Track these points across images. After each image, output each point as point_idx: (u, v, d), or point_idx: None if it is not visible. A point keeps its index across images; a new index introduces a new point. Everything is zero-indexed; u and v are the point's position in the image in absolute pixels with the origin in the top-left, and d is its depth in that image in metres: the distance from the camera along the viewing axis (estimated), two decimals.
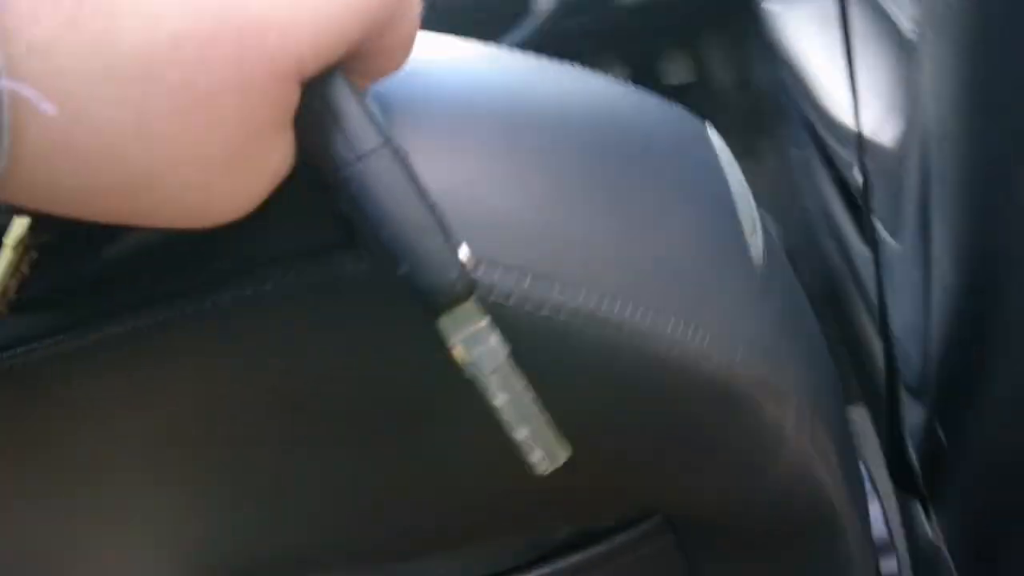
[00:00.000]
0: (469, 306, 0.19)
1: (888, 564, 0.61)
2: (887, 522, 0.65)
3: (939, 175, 0.46)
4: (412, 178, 0.19)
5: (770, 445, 0.29)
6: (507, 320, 0.21)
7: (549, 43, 1.01)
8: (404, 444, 0.28)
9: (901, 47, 0.53)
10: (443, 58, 0.25)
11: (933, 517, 0.71)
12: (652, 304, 0.22)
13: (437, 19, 0.24)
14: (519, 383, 0.20)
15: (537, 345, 0.22)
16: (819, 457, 0.34)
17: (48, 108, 0.16)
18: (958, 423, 0.60)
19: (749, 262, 0.28)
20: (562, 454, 0.22)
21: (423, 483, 0.29)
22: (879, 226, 0.58)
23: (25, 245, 0.21)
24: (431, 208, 0.19)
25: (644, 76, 1.30)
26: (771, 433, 0.29)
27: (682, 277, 0.24)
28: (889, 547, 0.65)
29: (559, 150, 0.23)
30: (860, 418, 0.85)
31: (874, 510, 0.56)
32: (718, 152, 0.31)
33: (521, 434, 0.21)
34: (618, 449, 0.28)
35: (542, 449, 0.21)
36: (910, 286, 0.58)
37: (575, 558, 0.46)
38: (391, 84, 0.22)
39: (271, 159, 0.20)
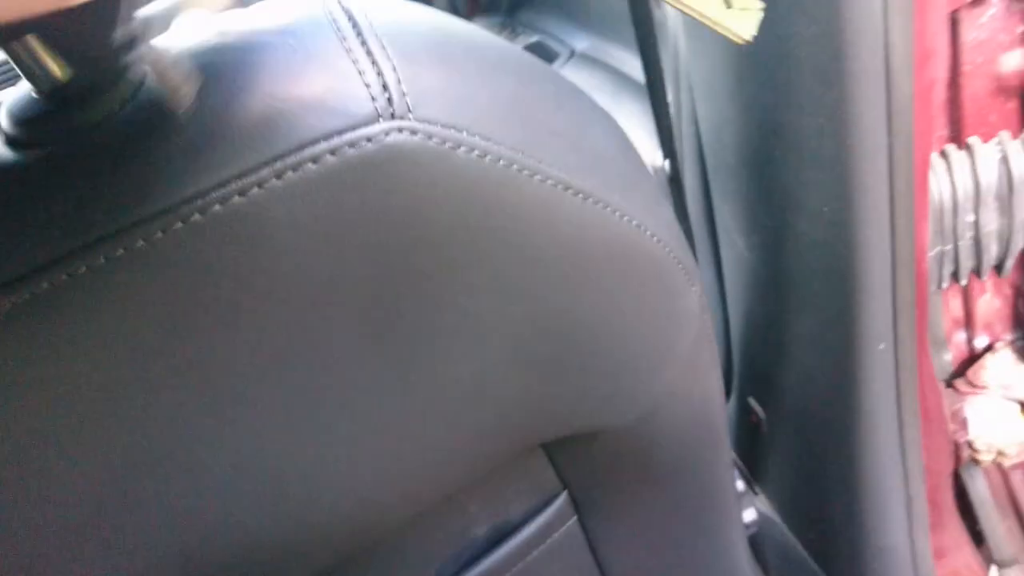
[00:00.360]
0: None
1: (748, 513, 0.70)
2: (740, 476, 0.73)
3: (718, 165, 0.57)
4: None
5: (685, 319, 0.36)
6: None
7: None
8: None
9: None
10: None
11: (759, 492, 0.82)
12: (599, 182, 0.29)
13: None
14: None
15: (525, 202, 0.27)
16: (709, 353, 0.41)
17: None
18: (770, 396, 0.71)
19: (649, 171, 0.35)
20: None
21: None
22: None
23: None
24: None
25: None
26: (687, 306, 0.35)
27: (614, 166, 0.31)
28: (747, 496, 0.74)
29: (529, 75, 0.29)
30: None
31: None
32: None
33: None
34: (572, 312, 0.32)
35: None
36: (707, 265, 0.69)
37: (499, 553, 0.50)
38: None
39: None
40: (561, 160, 0.27)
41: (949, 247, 0.53)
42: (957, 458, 0.66)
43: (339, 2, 0.26)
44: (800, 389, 0.63)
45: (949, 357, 0.66)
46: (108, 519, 0.27)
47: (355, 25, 0.25)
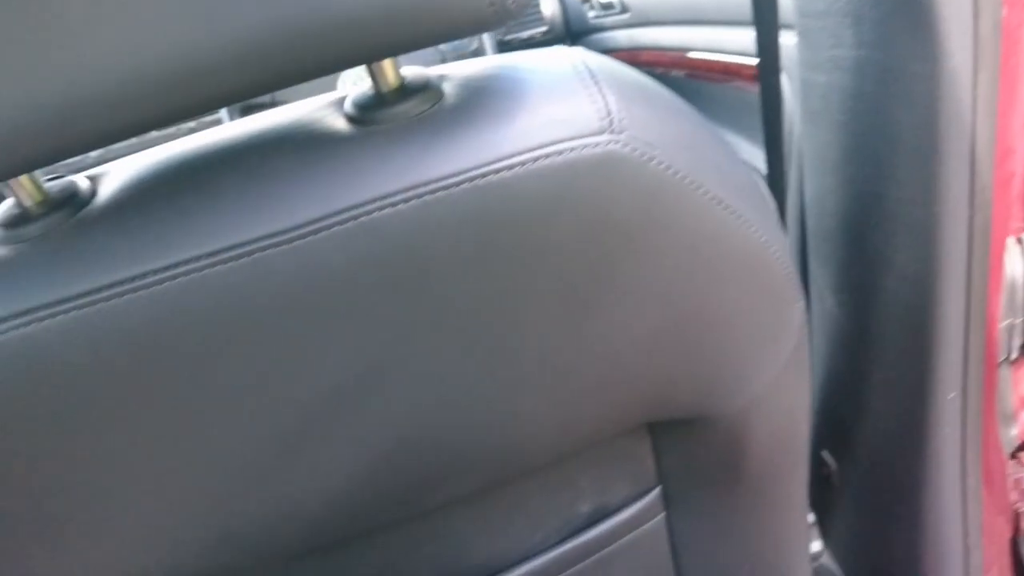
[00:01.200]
0: None
1: (815, 544, 0.76)
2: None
3: (817, 230, 0.66)
4: None
5: (789, 327, 0.44)
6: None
7: None
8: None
9: None
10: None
11: (821, 538, 0.87)
12: (742, 204, 0.38)
13: None
14: None
15: (690, 210, 0.36)
16: (802, 369, 0.49)
17: None
18: (844, 448, 0.77)
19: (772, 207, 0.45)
20: None
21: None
22: None
23: None
24: None
25: None
26: (792, 317, 0.45)
27: (751, 194, 0.40)
28: (815, 528, 0.80)
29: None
30: None
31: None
32: None
33: None
34: (704, 311, 0.40)
35: None
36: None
37: (591, 534, 0.58)
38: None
39: None
40: (718, 182, 0.37)
41: (1020, 320, 0.60)
42: (1016, 527, 0.71)
43: (580, 56, 0.38)
44: (873, 440, 0.70)
45: (1015, 432, 0.72)
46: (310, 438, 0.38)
47: (590, 71, 0.36)
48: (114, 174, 0.37)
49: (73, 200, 0.35)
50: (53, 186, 0.36)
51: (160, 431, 0.35)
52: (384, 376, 0.36)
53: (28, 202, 0.35)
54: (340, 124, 0.36)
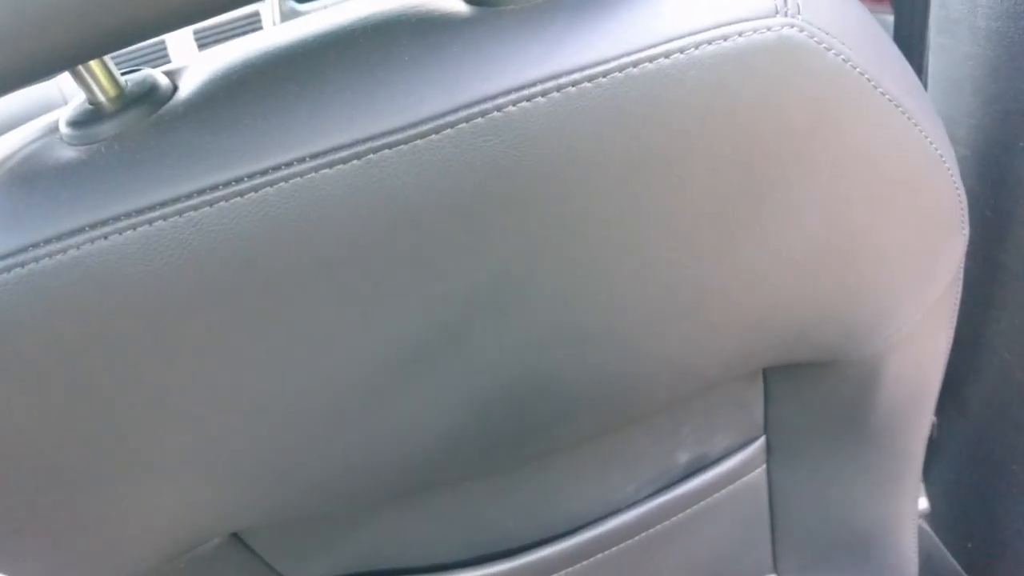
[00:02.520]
0: None
1: (922, 500, 0.71)
2: None
3: None
4: None
5: (948, 261, 0.39)
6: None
7: None
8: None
9: None
10: None
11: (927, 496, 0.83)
12: (917, 109, 0.33)
13: None
14: None
15: (864, 110, 0.31)
16: (950, 312, 0.44)
17: None
18: (952, 399, 0.72)
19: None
20: None
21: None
22: None
23: None
24: None
25: None
26: (953, 249, 0.39)
27: (924, 101, 0.34)
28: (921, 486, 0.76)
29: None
30: None
31: None
32: None
33: None
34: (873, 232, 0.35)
35: None
36: None
37: (687, 487, 0.54)
38: None
39: None
40: (894, 82, 0.32)
41: None
42: None
43: None
44: (989, 390, 0.65)
45: None
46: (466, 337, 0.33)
47: None
48: (196, 68, 0.32)
49: (152, 96, 0.31)
50: (128, 80, 0.32)
51: (251, 358, 0.31)
52: (506, 299, 0.31)
53: (101, 97, 0.30)
54: (459, 4, 0.30)
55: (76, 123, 0.30)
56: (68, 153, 0.30)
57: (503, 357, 0.34)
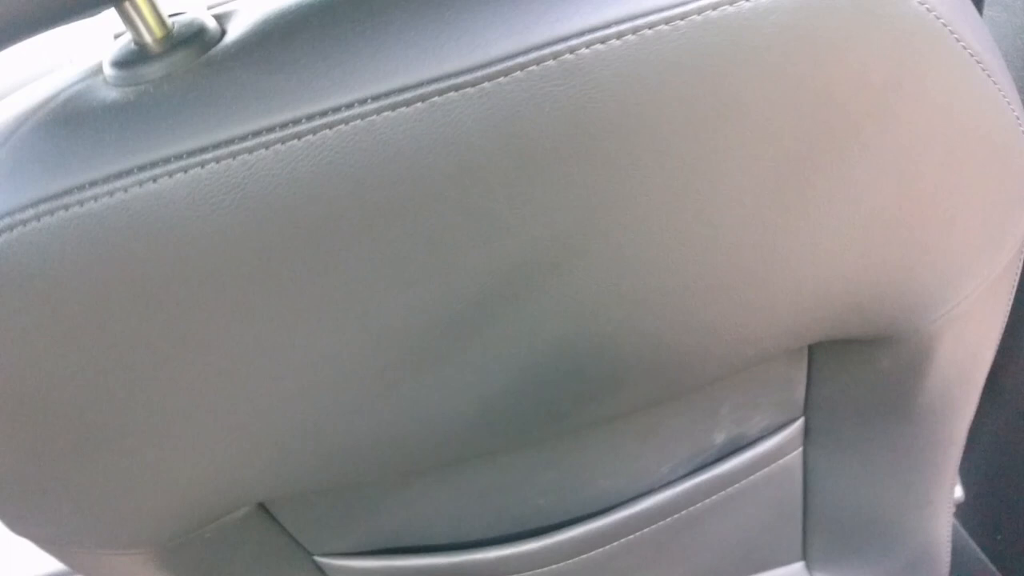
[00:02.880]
0: None
1: (957, 489, 0.70)
2: None
3: None
4: None
5: (1014, 232, 0.37)
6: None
7: None
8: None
9: None
10: None
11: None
12: (997, 66, 0.31)
13: None
14: None
15: (944, 64, 0.29)
16: (1009, 288, 0.43)
17: None
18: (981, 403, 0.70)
19: None
20: None
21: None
22: None
23: None
24: None
25: None
26: (1021, 225, 0.38)
27: (999, 59, 0.33)
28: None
29: None
30: None
31: None
32: None
33: None
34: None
35: None
36: None
37: (721, 468, 0.53)
38: None
39: None
40: (975, 36, 0.30)
41: None
42: None
43: None
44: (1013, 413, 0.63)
45: None
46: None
47: None
48: (245, 11, 0.31)
49: (200, 37, 0.29)
50: (175, 21, 0.30)
51: (297, 313, 0.30)
52: (566, 257, 0.30)
53: (147, 38, 0.29)
54: None
55: (121, 64, 0.29)
56: (113, 94, 0.28)
57: (557, 320, 0.32)
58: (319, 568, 0.53)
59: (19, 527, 0.41)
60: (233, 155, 0.26)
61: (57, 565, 0.60)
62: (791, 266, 0.34)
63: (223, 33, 0.30)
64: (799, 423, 0.52)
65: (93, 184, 0.26)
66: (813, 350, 0.46)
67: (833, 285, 0.36)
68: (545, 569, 0.54)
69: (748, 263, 0.33)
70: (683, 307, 0.33)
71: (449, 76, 0.26)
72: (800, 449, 0.54)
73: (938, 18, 0.28)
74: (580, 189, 0.28)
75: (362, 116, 0.26)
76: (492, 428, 0.39)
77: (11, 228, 0.27)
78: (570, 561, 0.54)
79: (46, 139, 0.28)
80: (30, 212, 0.27)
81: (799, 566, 0.64)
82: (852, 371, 0.47)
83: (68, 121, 0.28)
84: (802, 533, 0.61)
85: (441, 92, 0.26)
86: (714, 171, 0.29)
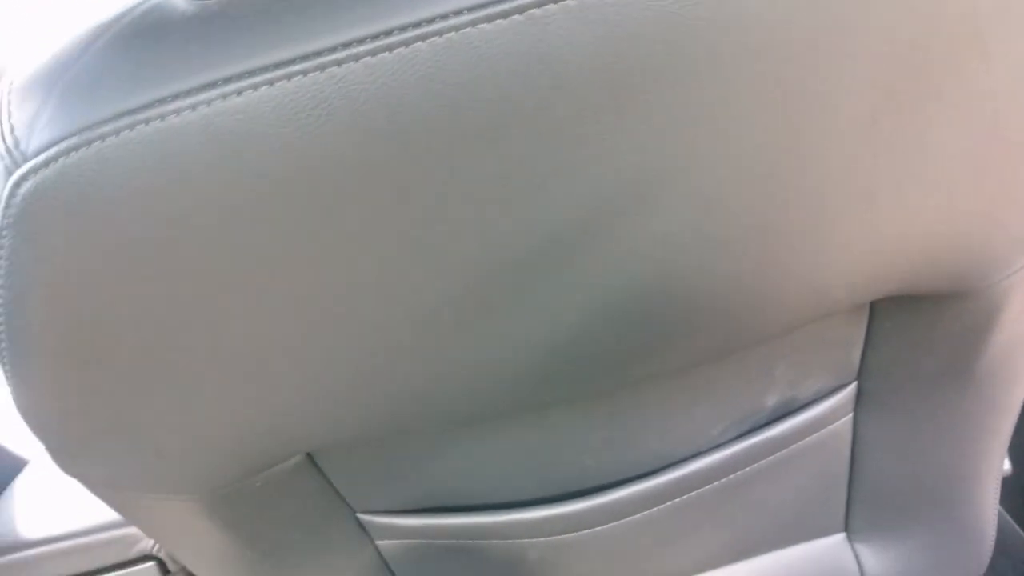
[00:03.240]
0: None
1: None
2: None
3: None
4: None
5: None
6: None
7: None
8: None
9: None
10: None
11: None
12: None
13: None
14: None
15: None
16: None
17: None
18: None
19: None
20: None
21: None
22: None
23: None
24: None
25: None
26: None
27: None
28: None
29: None
30: None
31: None
32: None
33: None
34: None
35: None
36: None
37: (770, 432, 0.52)
38: None
39: None
40: None
41: None
42: None
43: None
44: None
45: None
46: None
47: None
48: None
49: None
50: None
51: (376, 239, 0.29)
52: (652, 192, 0.29)
53: None
54: None
55: None
56: (192, 6, 0.27)
57: (633, 261, 0.31)
58: (361, 525, 0.53)
59: (72, 467, 0.40)
60: (321, 67, 0.25)
61: (105, 517, 0.60)
62: (875, 210, 0.33)
63: None
64: (851, 388, 0.51)
65: (175, 97, 0.26)
66: (875, 309, 0.45)
67: (915, 231, 0.35)
68: (588, 531, 0.53)
69: (833, 205, 0.32)
70: (763, 250, 0.32)
71: None
72: (850, 416, 0.53)
73: None
74: (673, 119, 0.27)
75: (457, 28, 0.25)
76: (552, 378, 0.38)
77: (89, 143, 0.26)
78: (614, 524, 0.53)
79: (124, 52, 0.27)
80: (109, 126, 0.26)
81: (840, 537, 0.63)
82: (913, 332, 0.46)
83: (147, 34, 0.27)
84: (846, 503, 0.60)
85: (540, 4, 0.25)
86: (813, 101, 0.28)
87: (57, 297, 0.30)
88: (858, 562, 0.63)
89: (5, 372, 0.34)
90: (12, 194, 0.27)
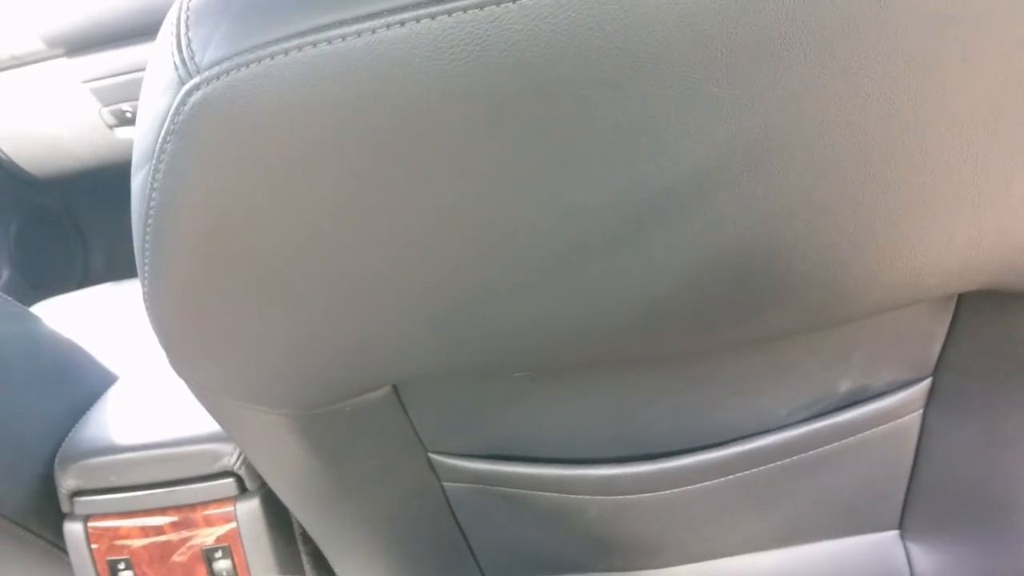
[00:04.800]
0: None
1: None
2: None
3: None
4: None
5: None
6: None
7: None
8: None
9: None
10: None
11: None
12: None
13: None
14: None
15: None
16: None
17: None
18: None
19: None
20: None
21: None
22: None
23: None
24: None
25: None
26: None
27: None
28: None
29: None
30: None
31: None
32: None
33: None
34: None
35: None
36: None
37: (838, 419, 0.53)
38: None
39: None
40: None
41: None
42: None
43: None
44: None
45: None
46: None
47: None
48: None
49: None
50: None
51: (505, 177, 0.31)
52: (767, 154, 0.30)
53: None
54: None
55: None
56: None
57: (743, 220, 0.33)
58: (431, 464, 0.55)
59: (184, 370, 0.43)
60: (480, 5, 0.27)
61: (190, 432, 0.63)
62: (981, 200, 0.34)
63: None
64: (925, 383, 0.52)
65: (341, 23, 0.28)
66: (961, 303, 0.46)
67: (1015, 228, 0.35)
68: (649, 495, 0.55)
69: (941, 190, 0.33)
70: (867, 226, 0.34)
71: None
72: (920, 411, 0.54)
73: None
74: (802, 86, 0.29)
75: None
76: (641, 333, 0.39)
77: (259, 60, 0.28)
78: (673, 490, 0.55)
79: None
80: (279, 46, 0.28)
81: (893, 535, 0.64)
82: (996, 331, 0.46)
83: None
84: (903, 499, 0.60)
85: None
86: (937, 86, 0.29)
87: (205, 203, 0.33)
88: (909, 561, 0.63)
89: (144, 270, 0.37)
90: (183, 102, 0.30)
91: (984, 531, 0.60)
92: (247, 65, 0.29)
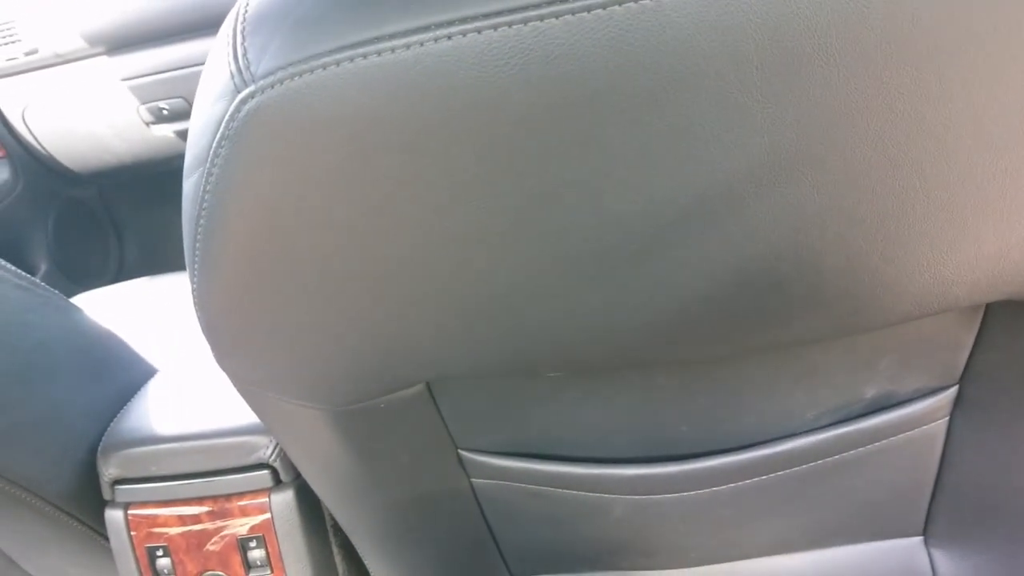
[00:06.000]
0: None
1: None
2: None
3: None
4: None
5: None
6: None
7: None
8: None
9: None
10: None
11: None
12: None
13: None
14: None
15: None
16: None
17: None
18: None
19: None
20: None
21: None
22: None
23: None
24: None
25: None
26: None
27: None
28: None
29: None
30: None
31: None
32: None
33: None
34: None
35: None
36: None
37: (863, 424, 0.53)
38: None
39: None
40: None
41: None
42: None
43: None
44: None
45: None
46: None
47: None
48: None
49: None
50: None
51: (544, 185, 0.32)
52: (799, 164, 0.31)
53: None
54: None
55: None
56: None
57: (774, 229, 0.34)
58: (461, 461, 0.56)
59: (228, 363, 0.45)
60: (525, 20, 0.28)
61: (227, 424, 0.65)
62: (1011, 212, 0.34)
63: None
64: (951, 391, 0.52)
65: (391, 37, 0.29)
66: (989, 312, 0.46)
67: None
68: (674, 495, 0.56)
69: (971, 201, 0.33)
70: (897, 234, 0.34)
71: None
72: (946, 419, 0.54)
73: None
74: (833, 98, 0.29)
75: None
76: (673, 335, 0.40)
77: (312, 70, 0.30)
78: (699, 491, 0.56)
79: None
80: (331, 57, 0.30)
81: (916, 541, 0.64)
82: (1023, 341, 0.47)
83: None
84: (928, 506, 0.61)
85: None
86: (969, 101, 0.30)
87: (256, 206, 0.34)
88: (932, 567, 0.64)
89: (194, 267, 0.38)
90: (238, 109, 0.31)
91: (1008, 539, 0.60)
92: (300, 75, 0.30)
